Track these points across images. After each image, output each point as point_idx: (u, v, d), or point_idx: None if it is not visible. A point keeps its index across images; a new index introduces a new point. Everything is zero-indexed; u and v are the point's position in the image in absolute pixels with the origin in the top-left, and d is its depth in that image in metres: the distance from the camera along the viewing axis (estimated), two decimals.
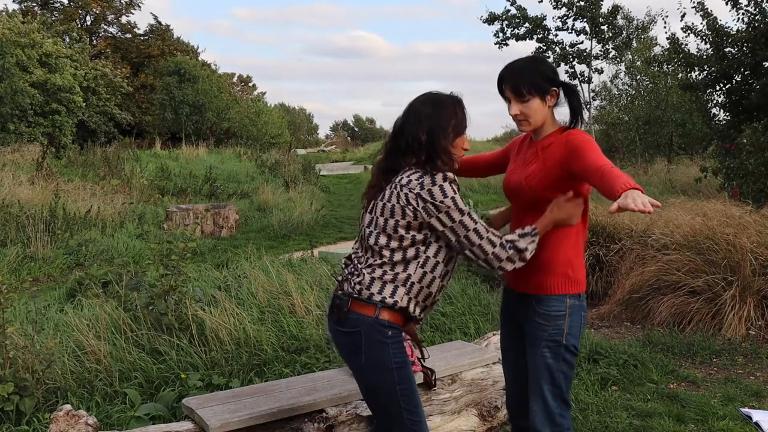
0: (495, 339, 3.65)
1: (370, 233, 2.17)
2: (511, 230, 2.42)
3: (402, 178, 2.13)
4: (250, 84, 47.27)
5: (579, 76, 17.91)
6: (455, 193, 2.07)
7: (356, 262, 2.23)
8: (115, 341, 3.93)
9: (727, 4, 10.52)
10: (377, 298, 2.10)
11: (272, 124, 33.23)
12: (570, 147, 2.16)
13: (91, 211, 10.03)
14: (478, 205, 11.76)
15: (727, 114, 11.16)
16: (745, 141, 8.82)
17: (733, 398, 3.87)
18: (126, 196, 12.42)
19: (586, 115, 2.55)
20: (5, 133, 19.47)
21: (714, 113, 11.89)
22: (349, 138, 55.85)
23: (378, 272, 2.12)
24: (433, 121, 2.15)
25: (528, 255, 2.13)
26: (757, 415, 2.27)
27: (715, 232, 5.33)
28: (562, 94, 2.27)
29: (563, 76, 2.35)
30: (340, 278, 2.29)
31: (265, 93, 50.87)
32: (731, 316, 4.90)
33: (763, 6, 10.11)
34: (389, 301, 2.09)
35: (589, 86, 18.23)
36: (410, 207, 2.08)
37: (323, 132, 66.64)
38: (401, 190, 2.10)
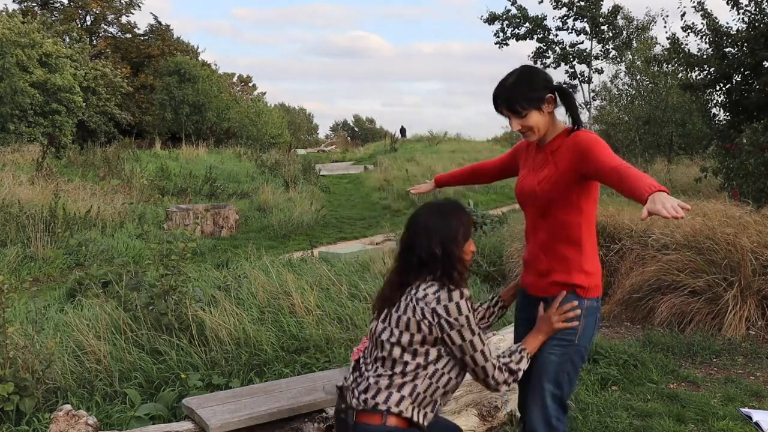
0: (495, 339, 3.64)
1: (382, 343, 2.16)
2: (526, 239, 2.43)
3: (418, 291, 2.12)
4: (250, 84, 47.32)
5: (579, 76, 17.93)
6: (470, 312, 2.09)
7: (363, 369, 2.22)
8: (115, 341, 3.93)
9: (727, 3, 10.53)
10: (383, 407, 2.10)
11: (272, 125, 33.26)
12: (579, 149, 2.15)
13: (91, 211, 10.03)
14: (479, 205, 11.75)
15: (727, 114, 11.17)
16: (745, 141, 8.81)
17: (733, 398, 3.86)
18: (126, 196, 12.43)
19: (585, 115, 2.55)
20: (5, 133, 19.48)
21: (714, 113, 11.89)
22: (349, 138, 55.89)
23: (385, 382, 2.12)
24: (443, 232, 2.16)
25: (520, 375, 2.19)
26: (757, 415, 2.27)
27: (716, 232, 5.32)
28: (558, 99, 2.25)
29: (563, 76, 2.33)
30: (342, 384, 2.27)
31: (265, 93, 50.95)
32: (731, 316, 4.90)
33: (763, 6, 10.12)
34: (394, 410, 2.10)
35: (589, 86, 18.25)
36: (425, 321, 2.08)
37: (323, 132, 66.81)
38: (417, 304, 2.10)
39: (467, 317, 2.08)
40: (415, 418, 2.12)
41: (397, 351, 2.12)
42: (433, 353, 2.11)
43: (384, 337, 2.16)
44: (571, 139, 2.21)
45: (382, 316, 2.20)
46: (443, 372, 2.14)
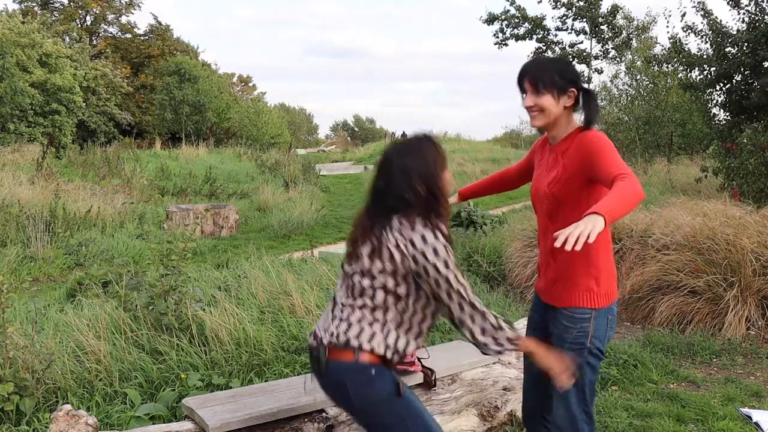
0: None
1: (353, 273, 2.09)
2: (538, 244, 2.43)
3: (393, 222, 2.05)
4: (250, 84, 47.33)
5: None
6: (447, 245, 2.01)
7: (338, 302, 2.14)
8: (115, 341, 3.93)
9: (728, 3, 10.54)
10: (354, 343, 2.03)
11: (272, 124, 33.25)
12: (584, 151, 2.15)
13: (91, 211, 10.03)
14: (479, 205, 11.75)
15: (727, 114, 11.18)
16: (745, 141, 8.82)
17: (733, 398, 3.86)
18: (126, 196, 12.43)
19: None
20: (5, 133, 19.49)
21: (714, 113, 11.89)
22: (349, 138, 55.96)
23: (356, 315, 2.05)
24: (422, 168, 2.08)
25: (504, 343, 2.05)
26: (757, 415, 2.27)
27: (716, 232, 5.32)
28: (581, 100, 2.25)
29: None
30: (316, 329, 2.20)
31: (265, 93, 51.00)
32: (731, 316, 4.90)
33: (764, 6, 10.13)
34: (366, 347, 2.03)
35: (589, 86, 18.25)
36: (398, 251, 2.01)
37: (323, 132, 66.93)
38: (392, 233, 2.03)
39: (445, 247, 1.99)
40: (387, 355, 2.05)
41: (366, 281, 2.04)
42: (403, 289, 2.03)
43: (355, 265, 2.09)
44: (579, 139, 2.21)
45: (356, 247, 2.12)
46: (415, 310, 2.06)
